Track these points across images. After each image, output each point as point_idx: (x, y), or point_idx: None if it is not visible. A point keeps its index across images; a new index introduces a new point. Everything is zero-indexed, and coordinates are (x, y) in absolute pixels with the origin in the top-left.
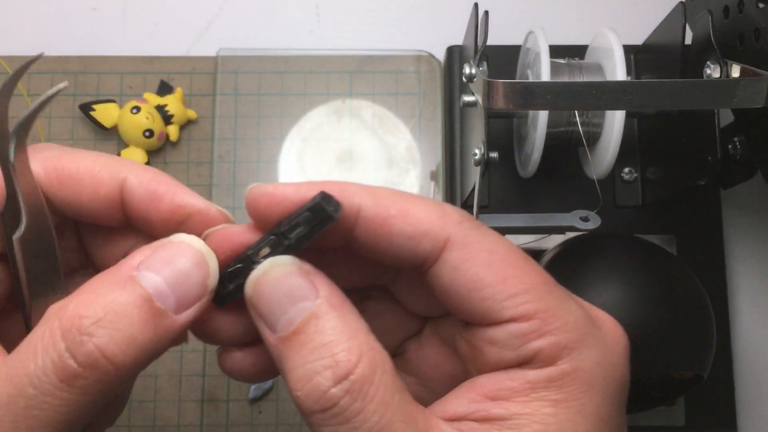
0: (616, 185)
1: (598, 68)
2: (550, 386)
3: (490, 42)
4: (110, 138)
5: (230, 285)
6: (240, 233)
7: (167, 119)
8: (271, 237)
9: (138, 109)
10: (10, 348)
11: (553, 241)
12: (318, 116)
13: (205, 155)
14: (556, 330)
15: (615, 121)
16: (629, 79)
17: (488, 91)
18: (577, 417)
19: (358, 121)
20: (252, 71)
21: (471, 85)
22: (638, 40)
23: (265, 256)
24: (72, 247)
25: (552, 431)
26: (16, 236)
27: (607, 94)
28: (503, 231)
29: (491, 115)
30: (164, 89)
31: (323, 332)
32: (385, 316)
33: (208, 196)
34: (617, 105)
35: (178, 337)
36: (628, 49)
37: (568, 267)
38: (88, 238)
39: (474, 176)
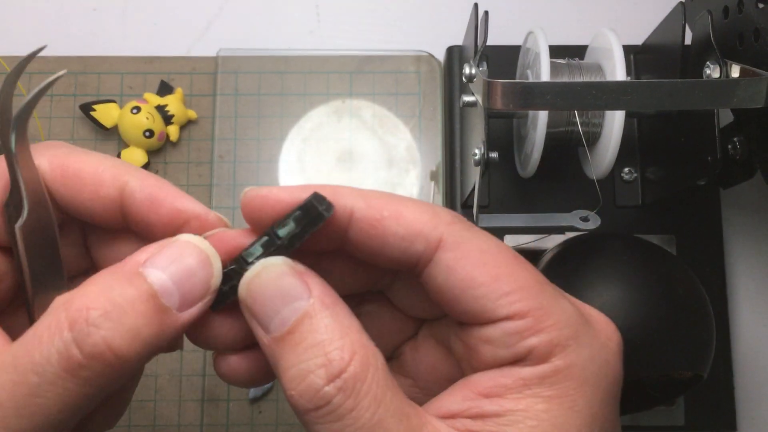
0: (615, 185)
1: (598, 68)
2: (543, 383)
3: (490, 42)
4: (111, 138)
5: (224, 287)
6: (236, 237)
7: (167, 119)
8: (264, 238)
9: (138, 109)
10: None
11: (552, 241)
12: (318, 116)
13: (205, 155)
14: (549, 327)
15: (615, 121)
16: (629, 79)
17: (488, 91)
18: (570, 413)
19: (358, 121)
20: (252, 71)
21: (471, 85)
22: (638, 40)
23: (258, 257)
24: (77, 252)
25: (545, 427)
26: (18, 224)
27: (606, 95)
28: (503, 231)
29: (491, 115)
30: (164, 89)
31: (316, 331)
32: (381, 319)
33: (208, 196)
34: (617, 105)
35: (176, 340)
36: (628, 49)
37: (567, 267)
38: (92, 240)
39: (474, 176)
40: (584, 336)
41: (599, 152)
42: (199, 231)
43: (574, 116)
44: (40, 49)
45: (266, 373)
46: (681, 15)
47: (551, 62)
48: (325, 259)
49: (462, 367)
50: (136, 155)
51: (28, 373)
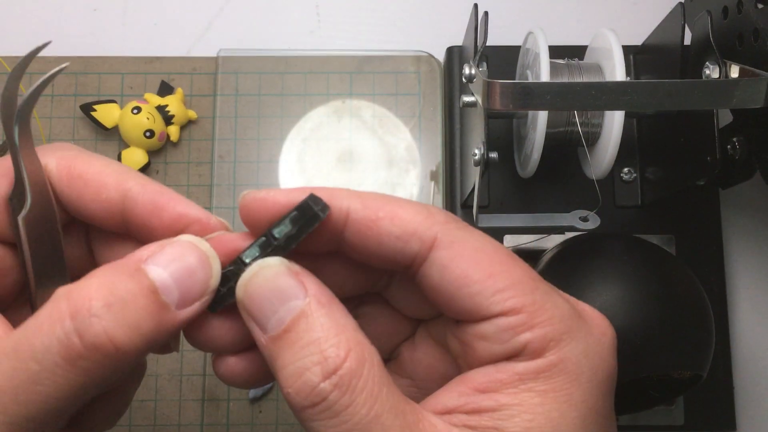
0: (615, 185)
1: (598, 69)
2: (538, 377)
3: (489, 42)
4: (111, 138)
5: (223, 288)
6: (236, 239)
7: (168, 119)
8: (262, 239)
9: (139, 109)
10: None
11: (552, 241)
12: (318, 116)
13: (205, 155)
14: (543, 323)
15: (614, 122)
16: (628, 79)
17: (488, 92)
18: (564, 407)
19: (358, 121)
20: (252, 72)
21: (471, 86)
22: (638, 40)
23: (256, 258)
24: (80, 252)
25: (540, 421)
26: (21, 215)
27: (606, 95)
28: (503, 231)
29: (491, 116)
30: (165, 90)
31: (312, 329)
32: (379, 320)
33: (209, 196)
34: (616, 105)
35: (171, 339)
36: (628, 50)
37: (567, 267)
38: (95, 241)
39: (474, 176)
40: (578, 331)
41: (599, 152)
42: (200, 235)
43: (573, 116)
44: (45, 45)
45: (264, 374)
46: (680, 15)
47: (551, 62)
48: (323, 261)
49: (458, 364)
50: (136, 155)
51: (28, 360)
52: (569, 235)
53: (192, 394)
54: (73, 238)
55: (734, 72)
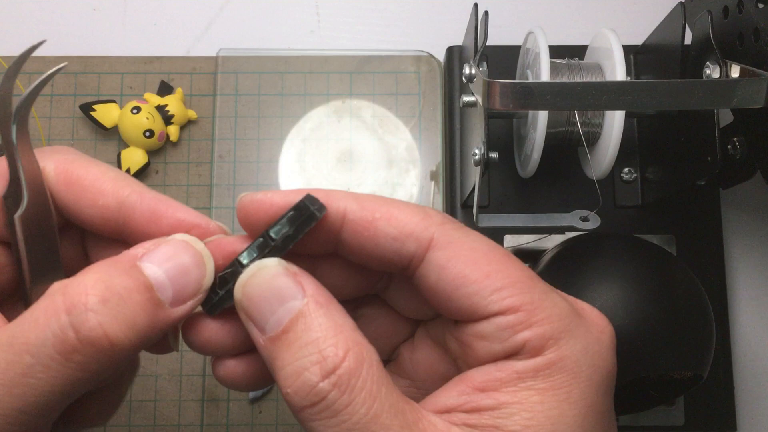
0: (615, 185)
1: (598, 68)
2: (537, 376)
3: (490, 42)
4: (111, 138)
5: (221, 291)
6: (234, 242)
7: (167, 119)
8: (259, 240)
9: (138, 109)
10: None
11: (552, 241)
12: (318, 116)
13: (205, 155)
14: (541, 321)
15: (615, 122)
16: (629, 79)
17: (488, 92)
18: (563, 404)
19: (358, 121)
20: (252, 71)
21: (471, 86)
22: (638, 40)
23: (253, 259)
24: (76, 255)
25: (540, 419)
26: (17, 214)
27: (606, 95)
28: (503, 231)
29: (491, 115)
30: (164, 89)
31: (310, 330)
32: (378, 322)
33: (208, 196)
34: (617, 105)
35: (162, 338)
36: (628, 50)
37: (567, 267)
38: (91, 245)
39: (474, 176)
40: (577, 329)
41: (599, 152)
42: (199, 239)
43: (574, 116)
44: (40, 43)
45: (264, 377)
46: (681, 15)
47: (551, 62)
48: (321, 264)
49: (458, 364)
50: (136, 155)
51: (22, 353)
52: (569, 235)
53: (192, 394)
54: (69, 241)
55: (735, 72)
